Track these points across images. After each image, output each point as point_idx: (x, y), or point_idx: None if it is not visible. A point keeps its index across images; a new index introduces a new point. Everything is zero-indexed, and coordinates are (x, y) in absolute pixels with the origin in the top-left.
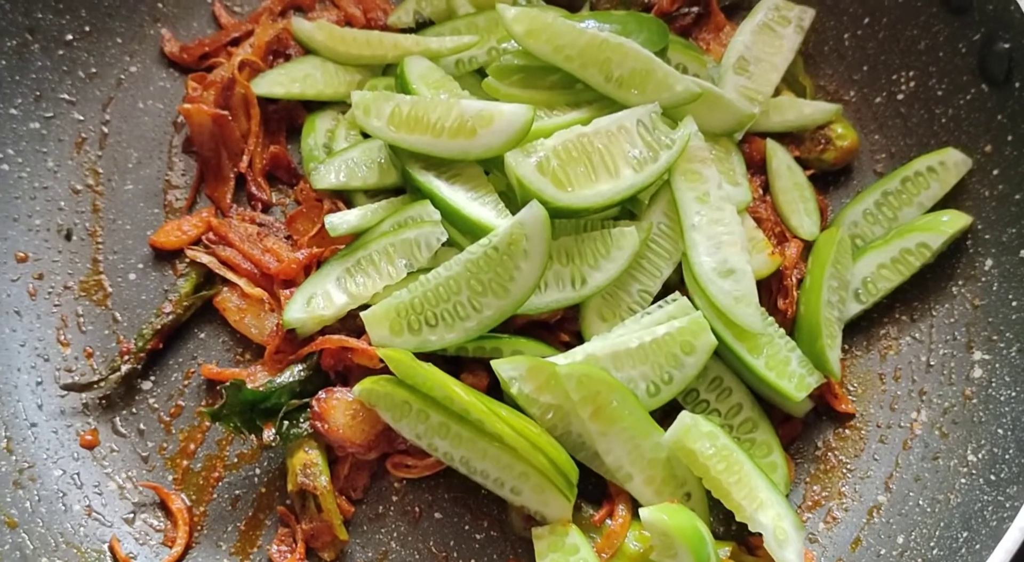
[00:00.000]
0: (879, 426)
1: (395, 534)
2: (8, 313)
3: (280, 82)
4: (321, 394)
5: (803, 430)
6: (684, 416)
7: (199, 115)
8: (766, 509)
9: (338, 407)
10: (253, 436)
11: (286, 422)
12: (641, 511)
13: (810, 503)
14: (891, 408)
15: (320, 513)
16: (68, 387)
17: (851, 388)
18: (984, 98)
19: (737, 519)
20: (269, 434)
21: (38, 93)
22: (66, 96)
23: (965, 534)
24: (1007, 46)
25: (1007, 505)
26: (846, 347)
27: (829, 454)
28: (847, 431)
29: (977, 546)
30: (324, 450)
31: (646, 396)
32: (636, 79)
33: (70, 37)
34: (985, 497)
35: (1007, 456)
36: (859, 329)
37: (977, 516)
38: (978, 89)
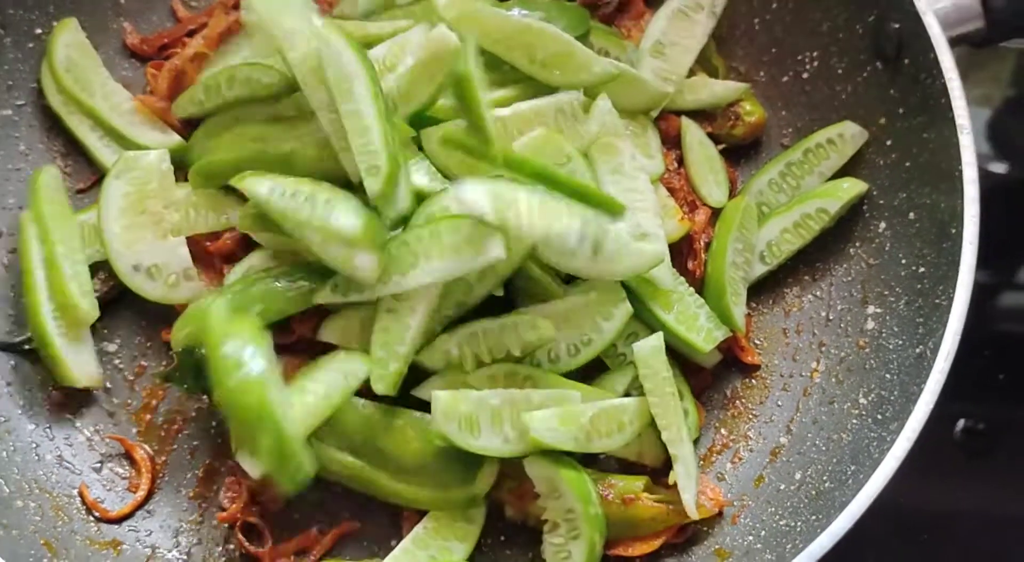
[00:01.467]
0: (782, 376)
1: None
2: None
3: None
4: None
5: (713, 381)
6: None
7: (149, 105)
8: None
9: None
10: (204, 396)
11: None
12: (525, 461)
13: (719, 446)
14: (793, 359)
15: None
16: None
17: (758, 342)
18: (878, 75)
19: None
20: None
21: (10, 82)
22: (36, 85)
23: (853, 467)
24: (896, 26)
25: (888, 439)
26: (753, 305)
27: (737, 401)
28: (753, 381)
29: (861, 476)
30: None
31: (567, 357)
32: (558, 61)
33: (39, 31)
34: (872, 434)
35: (892, 397)
36: (765, 289)
37: (864, 451)
38: (873, 67)
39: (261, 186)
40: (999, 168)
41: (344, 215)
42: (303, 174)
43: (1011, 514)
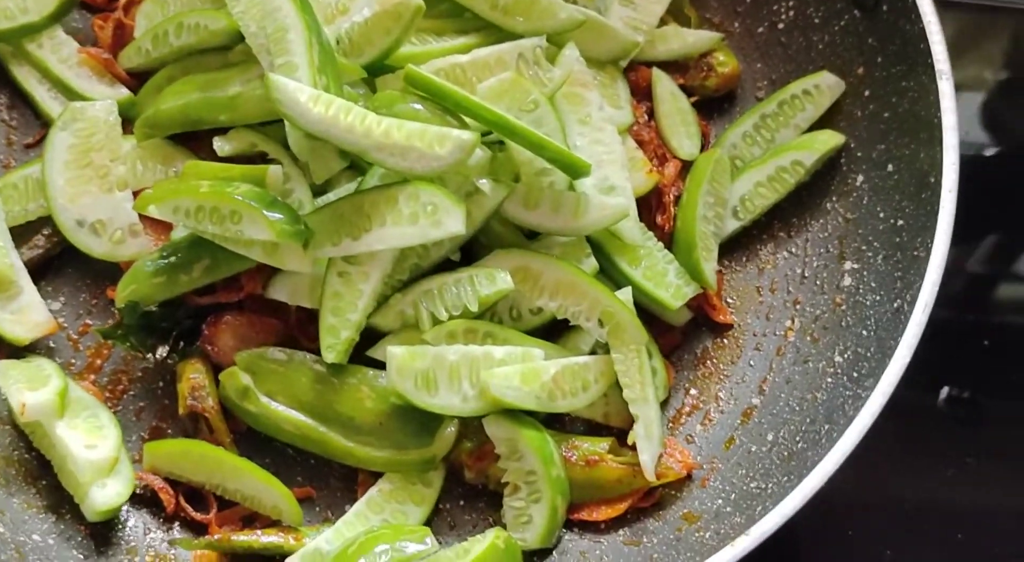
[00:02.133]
0: (755, 335)
1: (291, 445)
2: None
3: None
4: (211, 318)
5: (683, 340)
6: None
7: (95, 58)
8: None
9: (226, 330)
10: (149, 354)
11: (180, 342)
12: (484, 421)
13: (688, 407)
14: (767, 318)
15: (212, 433)
16: None
17: (730, 301)
18: (856, 23)
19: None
20: (163, 352)
21: None
22: None
23: (827, 426)
24: None
25: (863, 395)
26: (726, 263)
27: (708, 362)
28: (725, 340)
29: (835, 435)
30: (211, 371)
31: (529, 314)
32: (520, 6)
33: None
34: (847, 392)
35: (868, 354)
36: (738, 245)
37: (839, 410)
38: (851, 15)
39: (164, 209)
40: (991, 151)
41: (252, 226)
42: (249, 116)
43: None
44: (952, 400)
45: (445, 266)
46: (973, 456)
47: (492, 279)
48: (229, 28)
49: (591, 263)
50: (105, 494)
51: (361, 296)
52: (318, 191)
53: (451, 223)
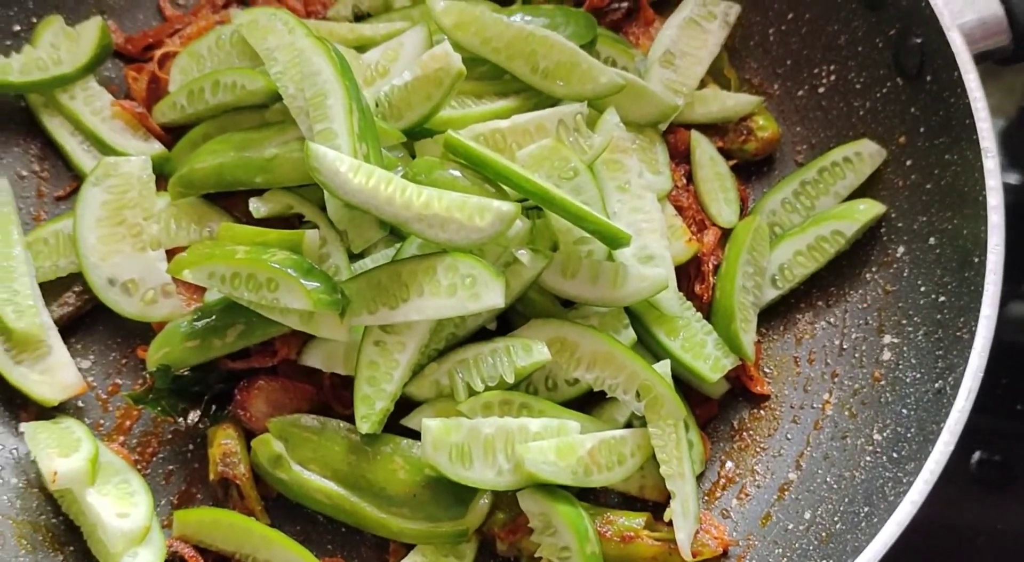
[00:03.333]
0: (792, 407)
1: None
2: None
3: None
4: (244, 382)
5: (720, 411)
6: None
7: (128, 111)
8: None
9: (259, 395)
10: (180, 418)
11: (212, 407)
12: (519, 495)
13: (724, 480)
14: (804, 389)
15: (242, 499)
16: None
17: (767, 371)
18: (899, 91)
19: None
20: (195, 416)
21: None
22: None
23: (867, 509)
24: (919, 40)
25: (904, 480)
26: (764, 331)
27: (744, 433)
28: (762, 411)
29: (875, 520)
30: (243, 437)
31: (565, 385)
32: (561, 71)
33: (17, 28)
34: (887, 474)
35: (909, 434)
36: (776, 314)
37: (878, 492)
38: (893, 82)
39: (199, 274)
40: (1012, 179)
41: (288, 295)
42: (286, 179)
43: None
44: (983, 463)
45: (481, 334)
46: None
47: (529, 350)
48: (267, 89)
49: (629, 334)
50: None
51: (397, 366)
52: (355, 256)
53: (490, 297)
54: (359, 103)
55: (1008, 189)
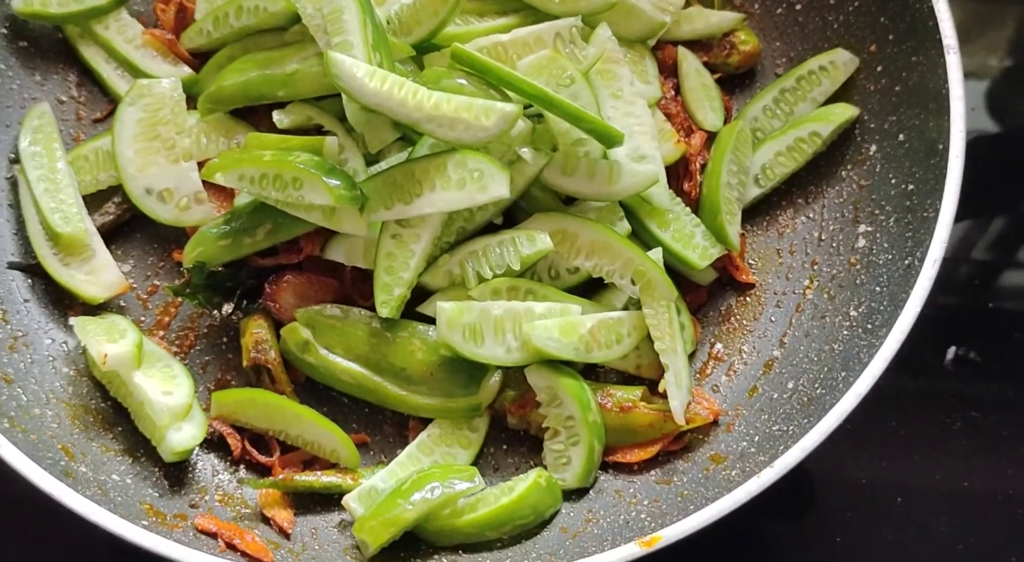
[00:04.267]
0: (776, 293)
1: (347, 394)
2: (2, 206)
3: None
4: (272, 277)
5: (708, 298)
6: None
7: (158, 39)
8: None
9: (287, 289)
10: (215, 311)
11: (244, 300)
12: (527, 370)
13: (713, 360)
14: (786, 277)
15: (274, 383)
16: (12, 265)
17: (752, 262)
18: (869, 3)
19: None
20: (228, 308)
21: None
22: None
23: (844, 374)
24: None
25: (877, 344)
26: (748, 227)
27: (732, 318)
28: (748, 298)
29: (852, 380)
30: (272, 327)
31: (567, 273)
32: None
33: None
34: (861, 342)
35: (881, 308)
36: (759, 212)
37: (854, 358)
38: None
39: (230, 177)
40: (996, 135)
41: (312, 192)
42: (306, 91)
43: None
44: (959, 360)
45: (489, 229)
46: (979, 411)
47: (533, 240)
48: (287, 10)
49: (624, 226)
50: (181, 436)
51: (413, 256)
52: (371, 161)
53: (496, 188)
54: (372, 17)
55: (992, 143)
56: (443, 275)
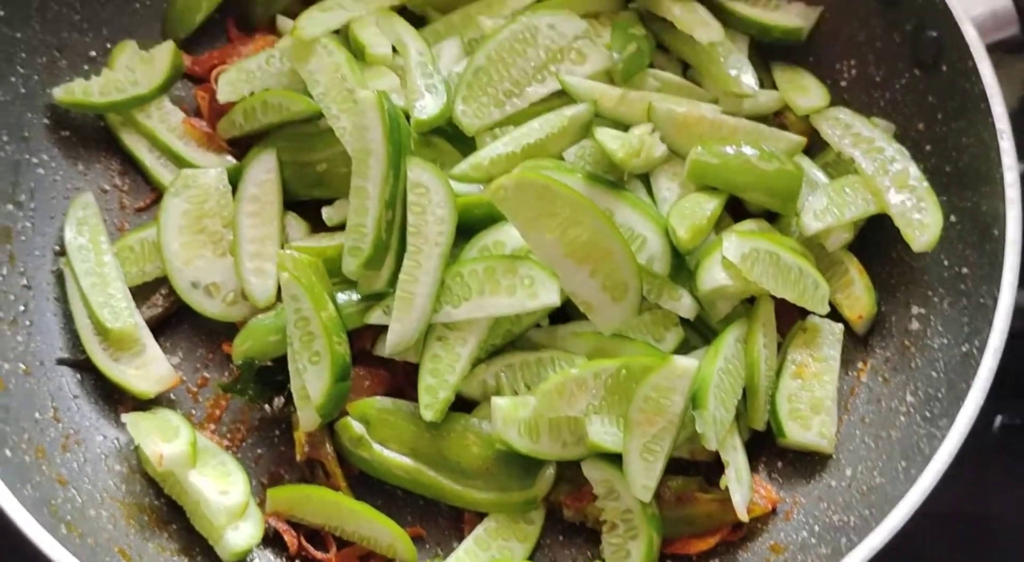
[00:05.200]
0: None
1: (401, 487)
2: (48, 299)
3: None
4: None
5: None
6: None
7: (197, 128)
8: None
9: None
10: (266, 406)
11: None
12: (583, 464)
13: (770, 445)
14: (841, 358)
15: (328, 477)
16: (61, 362)
17: None
18: (916, 81)
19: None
20: (279, 402)
21: None
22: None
23: (904, 463)
24: (935, 34)
25: (938, 436)
26: None
27: None
28: None
29: (913, 471)
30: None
31: None
32: None
33: (93, 53)
34: (920, 431)
35: (939, 395)
36: None
37: (914, 447)
38: (911, 74)
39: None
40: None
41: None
42: (339, 191)
43: None
44: (1006, 427)
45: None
46: None
47: (571, 364)
48: (308, 110)
49: (672, 337)
50: (239, 536)
51: (459, 359)
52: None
53: (546, 296)
54: (396, 170)
55: None
56: (478, 384)
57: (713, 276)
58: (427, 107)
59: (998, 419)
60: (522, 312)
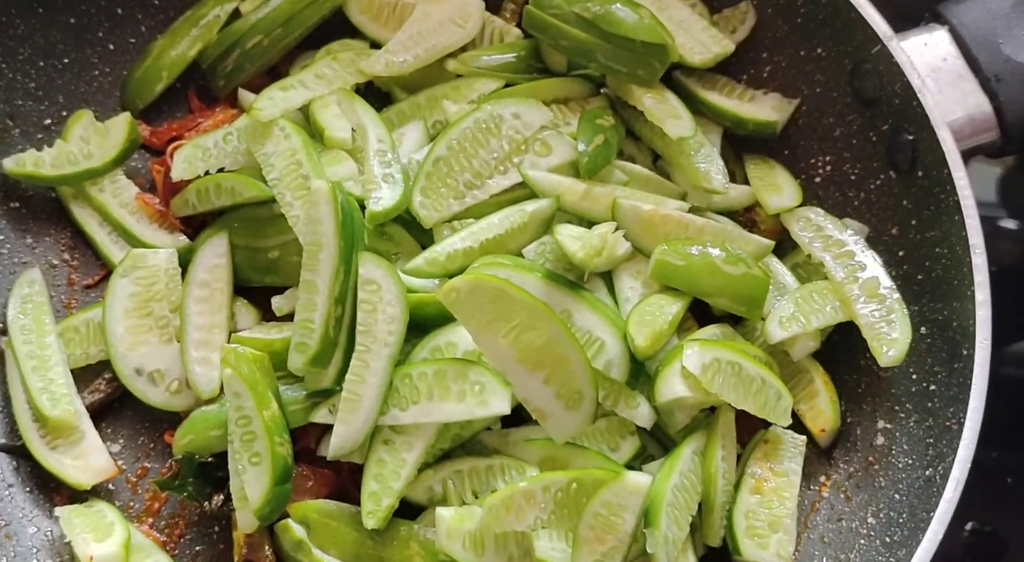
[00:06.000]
0: None
1: None
2: None
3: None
4: None
5: None
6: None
7: (150, 205)
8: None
9: None
10: (206, 503)
11: None
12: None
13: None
14: (803, 471)
15: None
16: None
17: None
18: (892, 184)
19: None
20: (219, 500)
21: None
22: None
23: None
24: (911, 137)
25: None
26: None
27: None
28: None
29: None
30: None
31: None
32: None
33: (48, 121)
34: (880, 558)
35: (901, 520)
36: None
37: None
38: (887, 175)
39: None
40: (1010, 224)
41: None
42: (291, 279)
43: None
44: (976, 533)
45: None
46: None
47: (522, 473)
48: (260, 195)
49: (628, 446)
50: None
51: (404, 465)
52: None
53: (497, 404)
54: (347, 265)
55: (1007, 234)
56: (424, 490)
57: (672, 387)
58: (383, 199)
59: (968, 525)
60: (471, 418)
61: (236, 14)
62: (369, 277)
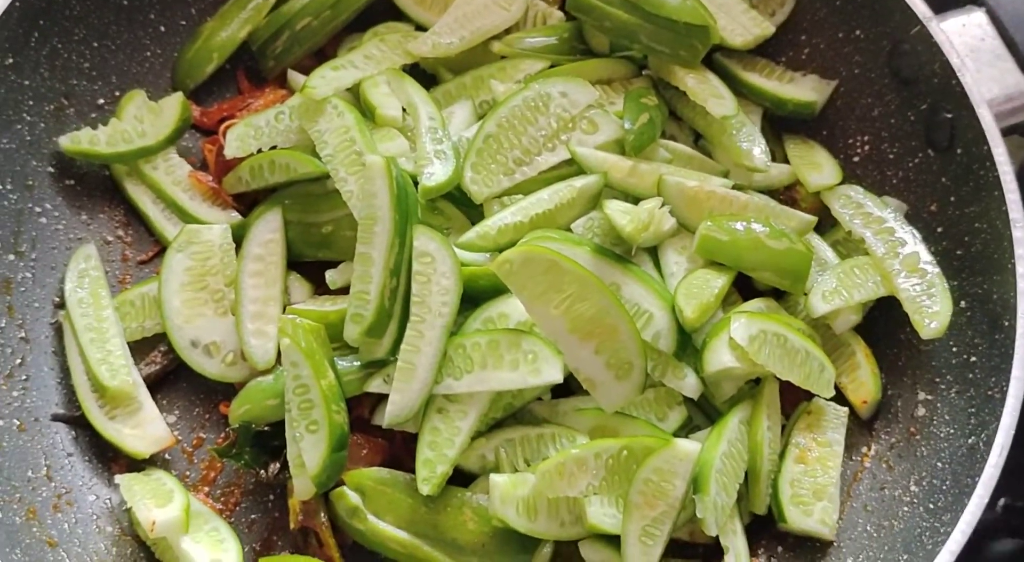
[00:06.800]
0: None
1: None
2: (46, 353)
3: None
4: None
5: None
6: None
7: (203, 183)
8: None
9: None
10: (262, 471)
11: None
12: (580, 544)
13: (771, 530)
14: (845, 442)
15: (321, 547)
16: (56, 418)
17: None
18: (930, 162)
19: None
20: (275, 468)
21: None
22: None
23: (905, 556)
24: (949, 116)
25: (941, 530)
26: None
27: None
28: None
29: None
30: None
31: None
32: None
33: (101, 101)
34: (924, 523)
35: (944, 487)
36: None
37: (916, 541)
38: (925, 154)
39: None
40: None
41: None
42: (344, 253)
43: None
44: (1008, 509)
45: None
46: None
47: (572, 441)
48: (315, 172)
49: (675, 415)
50: None
51: (458, 433)
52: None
53: (549, 372)
54: (402, 238)
55: None
56: (476, 458)
57: (720, 358)
58: (435, 174)
59: (1000, 501)
60: (524, 388)
61: None
62: (423, 249)
